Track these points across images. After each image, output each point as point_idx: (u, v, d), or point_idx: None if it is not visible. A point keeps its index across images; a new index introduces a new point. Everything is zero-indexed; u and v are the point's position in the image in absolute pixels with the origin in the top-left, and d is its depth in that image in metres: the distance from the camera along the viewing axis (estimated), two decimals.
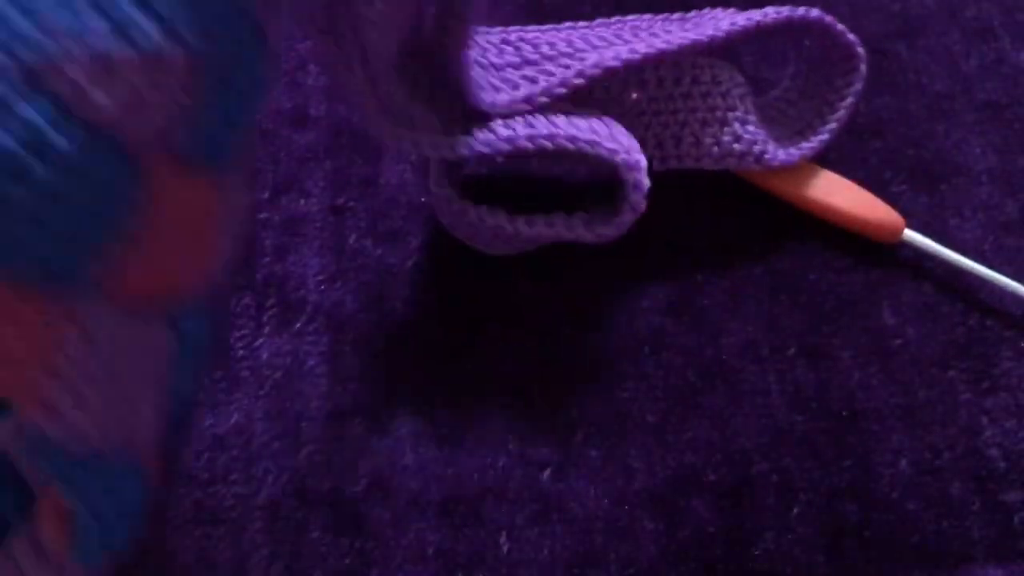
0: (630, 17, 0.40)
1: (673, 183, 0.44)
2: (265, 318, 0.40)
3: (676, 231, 0.42)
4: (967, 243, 0.42)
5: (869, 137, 0.45)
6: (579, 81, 0.35)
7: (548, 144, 0.34)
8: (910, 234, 0.41)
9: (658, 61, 0.37)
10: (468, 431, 0.37)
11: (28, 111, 0.19)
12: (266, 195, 0.43)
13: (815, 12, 0.39)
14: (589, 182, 0.42)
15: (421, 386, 0.38)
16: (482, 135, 0.34)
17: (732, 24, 0.38)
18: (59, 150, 0.20)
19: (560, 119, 0.34)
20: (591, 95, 0.38)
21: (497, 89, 0.35)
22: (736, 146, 0.39)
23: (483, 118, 0.34)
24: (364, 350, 0.39)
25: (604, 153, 0.33)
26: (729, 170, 0.43)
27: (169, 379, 0.27)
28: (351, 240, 0.42)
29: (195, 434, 0.37)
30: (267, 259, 0.41)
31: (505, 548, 0.35)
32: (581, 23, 0.40)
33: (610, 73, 0.36)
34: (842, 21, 0.39)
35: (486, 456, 0.37)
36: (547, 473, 0.37)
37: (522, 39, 0.37)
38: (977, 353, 0.40)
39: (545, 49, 0.36)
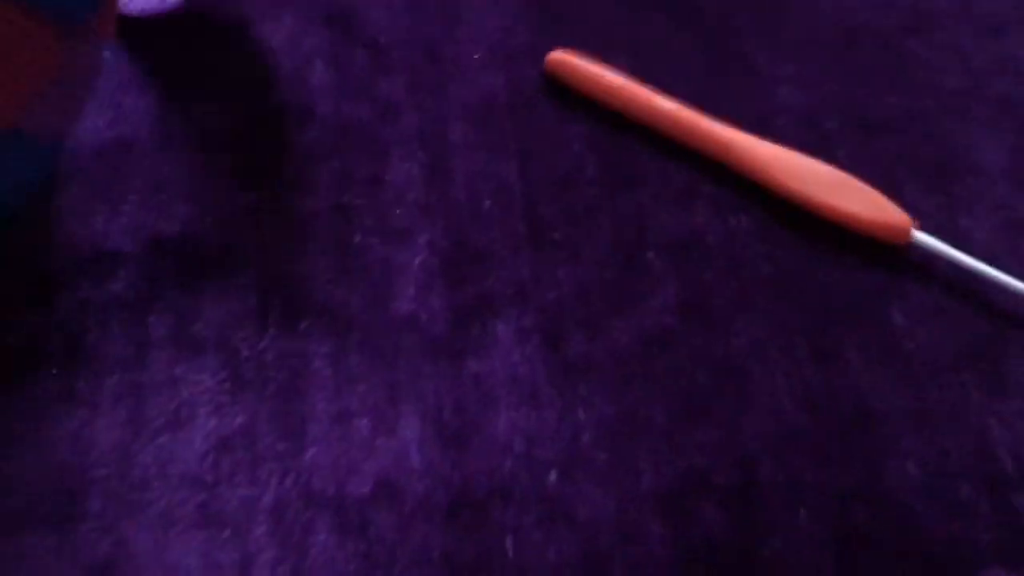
0: None
1: (683, 184, 0.44)
2: (270, 318, 0.40)
3: (685, 231, 0.42)
4: (979, 242, 0.42)
5: (881, 134, 0.45)
6: None
7: None
8: (920, 235, 0.41)
9: None
10: (474, 433, 0.37)
11: None
12: (272, 192, 0.43)
13: None
14: None
15: (427, 387, 0.38)
16: None
17: None
18: None
19: None
20: None
21: None
22: None
23: None
24: (370, 350, 0.39)
25: None
26: (738, 170, 0.43)
27: None
28: (357, 238, 0.42)
29: (200, 435, 0.37)
30: (272, 258, 0.41)
31: (511, 551, 0.35)
32: None
33: None
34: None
35: (493, 458, 0.37)
36: (554, 475, 0.37)
37: None
38: (988, 356, 0.39)
39: None
